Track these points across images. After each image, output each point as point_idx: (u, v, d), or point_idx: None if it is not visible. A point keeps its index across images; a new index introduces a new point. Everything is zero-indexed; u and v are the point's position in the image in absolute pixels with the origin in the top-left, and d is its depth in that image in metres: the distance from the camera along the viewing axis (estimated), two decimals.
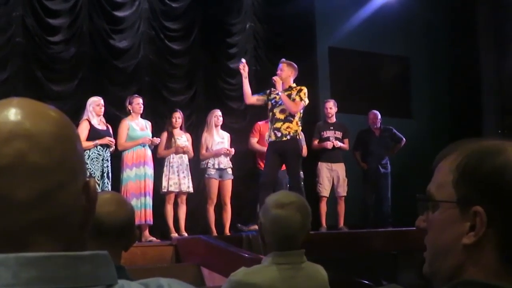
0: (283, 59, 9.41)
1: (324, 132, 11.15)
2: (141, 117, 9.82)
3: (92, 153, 9.00)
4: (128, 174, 9.39)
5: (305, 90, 9.10)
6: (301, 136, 9.26)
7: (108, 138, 9.17)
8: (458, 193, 1.31)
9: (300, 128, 9.07)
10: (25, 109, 1.08)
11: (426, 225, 1.39)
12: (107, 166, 9.15)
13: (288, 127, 8.94)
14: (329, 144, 11.00)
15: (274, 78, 9.16)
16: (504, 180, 1.27)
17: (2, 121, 1.05)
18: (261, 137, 10.31)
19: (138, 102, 9.69)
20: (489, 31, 14.21)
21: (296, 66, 9.36)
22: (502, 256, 1.27)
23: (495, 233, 1.27)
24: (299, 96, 8.97)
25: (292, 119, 8.95)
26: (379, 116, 11.91)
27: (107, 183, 9.11)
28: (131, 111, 9.69)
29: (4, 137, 1.04)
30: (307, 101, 9.08)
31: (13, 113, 1.06)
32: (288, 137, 8.94)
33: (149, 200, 9.43)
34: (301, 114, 9.07)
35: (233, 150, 10.12)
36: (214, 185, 10.03)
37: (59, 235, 1.06)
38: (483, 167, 1.30)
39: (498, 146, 1.33)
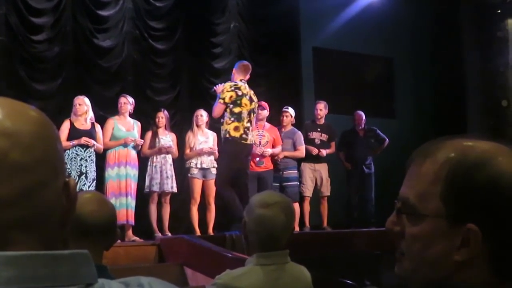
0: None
1: (311, 133, 11.14)
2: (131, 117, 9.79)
3: (70, 153, 8.95)
4: (109, 173, 9.36)
5: (225, 85, 8.99)
6: (235, 134, 8.92)
7: (84, 139, 9.06)
8: (448, 208, 1.24)
9: (233, 126, 8.87)
10: (5, 108, 1.08)
11: (400, 230, 1.32)
12: (86, 166, 9.06)
13: (223, 129, 8.98)
14: (314, 151, 10.99)
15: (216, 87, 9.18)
16: (497, 195, 1.20)
17: None
18: None
19: (122, 102, 9.64)
20: (473, 31, 14.25)
21: (243, 64, 9.25)
22: (494, 270, 1.23)
23: (488, 248, 1.22)
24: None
25: (222, 120, 8.94)
26: (364, 117, 11.93)
27: (85, 183, 9.01)
28: (118, 110, 9.67)
29: None
30: (224, 97, 8.83)
31: None
32: (223, 138, 9.03)
33: (131, 201, 9.38)
34: (229, 111, 8.84)
35: (216, 148, 10.10)
36: (197, 184, 10.01)
37: (39, 234, 1.06)
38: (475, 181, 1.22)
39: (487, 154, 1.25)
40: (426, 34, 15.19)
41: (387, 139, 11.98)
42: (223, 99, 8.81)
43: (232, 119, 8.83)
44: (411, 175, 1.32)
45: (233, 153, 8.94)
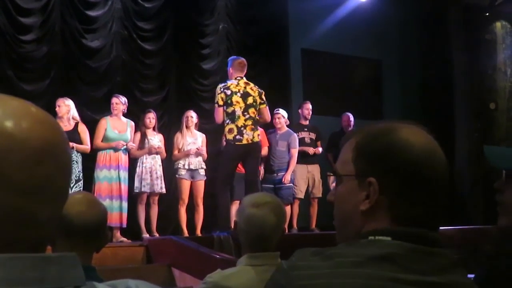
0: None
1: (299, 133, 11.14)
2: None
3: None
4: (98, 174, 9.32)
5: (216, 89, 8.96)
6: (229, 136, 8.86)
7: None
8: (356, 168, 1.54)
9: (227, 128, 8.82)
10: (51, 128, 1.09)
11: (334, 198, 1.62)
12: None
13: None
14: (310, 150, 11.03)
15: None
16: (390, 155, 1.50)
17: (34, 137, 1.05)
18: None
19: (114, 102, 9.61)
20: (461, 34, 14.31)
21: (237, 61, 9.09)
22: (392, 217, 1.49)
23: (386, 199, 1.49)
24: None
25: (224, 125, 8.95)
26: (352, 119, 11.94)
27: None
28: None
29: (36, 157, 1.04)
30: (217, 101, 8.80)
31: (40, 130, 1.07)
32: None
33: (123, 204, 9.35)
34: (225, 113, 8.80)
35: (204, 149, 10.08)
36: (185, 185, 10.00)
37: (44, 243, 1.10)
38: (375, 145, 1.53)
39: (388, 127, 1.58)
40: (415, 37, 15.24)
41: None
42: (216, 102, 8.78)
43: (227, 121, 8.79)
44: (340, 153, 1.63)
45: (227, 155, 8.93)
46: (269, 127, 10.89)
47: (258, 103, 8.89)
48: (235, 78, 8.91)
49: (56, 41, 10.72)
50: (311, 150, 11.06)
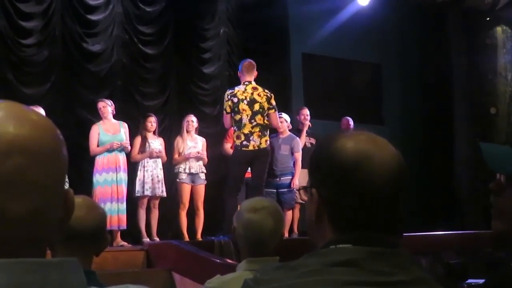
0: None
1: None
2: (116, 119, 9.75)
3: None
4: (97, 179, 9.30)
5: (224, 96, 9.04)
6: (237, 142, 8.90)
7: None
8: (310, 180, 1.62)
9: (235, 135, 8.89)
10: (27, 123, 1.07)
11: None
12: None
13: None
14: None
15: None
16: (322, 165, 1.56)
17: (1, 132, 1.04)
18: (233, 142, 10.24)
19: (100, 107, 9.55)
20: (461, 39, 14.32)
21: (245, 65, 9.10)
22: (334, 225, 1.53)
23: (325, 208, 1.54)
24: None
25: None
26: (352, 122, 11.93)
27: None
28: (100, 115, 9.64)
29: (4, 150, 1.03)
30: (225, 108, 8.87)
31: (12, 124, 1.05)
32: None
33: (122, 206, 9.35)
34: (233, 120, 8.83)
35: (204, 153, 10.08)
36: (186, 190, 10.00)
37: (41, 245, 1.09)
38: (314, 157, 1.61)
39: (329, 138, 1.63)
40: (415, 41, 15.24)
41: None
42: (225, 109, 8.85)
43: (235, 127, 8.84)
44: None
45: (234, 160, 9.00)
46: (272, 132, 10.89)
47: (266, 108, 8.86)
48: (243, 83, 8.90)
49: (57, 45, 10.73)
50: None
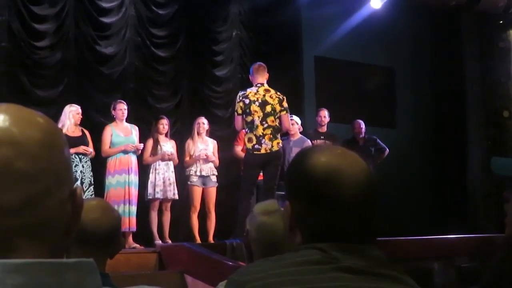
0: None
1: (315, 141, 11.08)
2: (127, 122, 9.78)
3: None
4: (110, 181, 9.34)
5: (236, 97, 9.01)
6: (248, 145, 8.85)
7: (82, 147, 9.04)
8: (285, 193, 1.74)
9: (247, 138, 8.85)
10: (12, 115, 1.07)
11: None
12: (82, 172, 9.04)
13: None
14: None
15: None
16: (296, 180, 1.66)
17: None
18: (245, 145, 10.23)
19: (120, 108, 9.60)
20: (474, 42, 14.28)
21: (255, 67, 9.14)
22: (303, 236, 1.63)
23: (297, 219, 1.64)
24: None
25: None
26: (363, 126, 11.92)
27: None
28: (115, 116, 9.65)
29: None
30: (236, 109, 8.85)
31: (2, 120, 1.06)
32: None
33: (133, 208, 9.38)
34: (245, 122, 8.80)
35: (213, 156, 10.08)
36: (197, 192, 10.02)
37: (43, 242, 1.06)
38: (289, 171, 1.72)
39: (303, 154, 1.71)
40: (427, 45, 15.21)
41: (387, 149, 11.95)
42: (236, 111, 8.83)
43: (247, 129, 8.80)
44: None
45: (246, 164, 8.96)
46: (283, 134, 10.90)
47: (278, 111, 8.84)
48: (255, 85, 8.90)
49: (70, 48, 10.75)
50: None
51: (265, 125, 8.76)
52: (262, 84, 8.92)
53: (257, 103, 8.76)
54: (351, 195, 1.59)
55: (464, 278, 8.11)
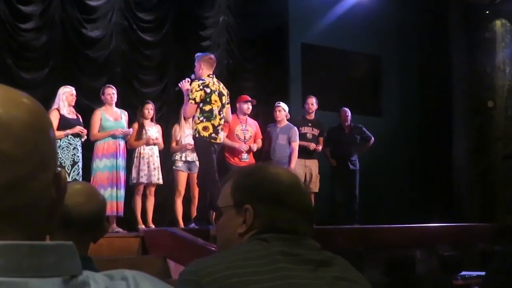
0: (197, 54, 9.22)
1: (302, 128, 11.12)
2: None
3: (62, 143, 8.92)
4: (98, 164, 9.33)
5: (193, 85, 8.81)
6: (204, 134, 8.72)
7: (78, 127, 9.08)
8: (234, 200, 1.93)
9: (201, 126, 8.70)
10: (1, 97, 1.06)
11: (215, 231, 2.05)
12: (78, 155, 9.09)
13: (193, 127, 8.94)
14: (311, 146, 11.05)
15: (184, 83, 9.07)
16: (263, 186, 1.91)
17: None
18: (230, 131, 10.22)
19: (109, 93, 9.59)
20: (461, 31, 14.31)
21: (209, 57, 9.12)
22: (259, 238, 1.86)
23: (258, 221, 1.88)
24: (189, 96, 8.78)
25: (192, 119, 8.94)
26: (349, 114, 11.94)
27: (79, 173, 9.05)
28: (104, 101, 9.62)
29: None
30: (194, 97, 8.68)
31: None
32: (193, 136, 9.00)
33: (121, 192, 9.38)
34: (199, 110, 8.70)
35: None
36: (182, 177, 10.01)
37: (24, 224, 1.05)
38: (250, 179, 1.95)
39: (259, 167, 2.10)
40: (414, 33, 15.23)
41: (373, 137, 11.98)
42: (194, 99, 8.68)
43: (202, 118, 8.69)
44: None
45: (207, 151, 8.81)
46: (270, 121, 10.90)
47: (226, 103, 8.98)
48: (208, 76, 8.86)
49: (56, 30, 10.70)
50: (312, 146, 11.07)
51: (221, 115, 8.82)
52: (213, 75, 8.93)
53: (216, 93, 8.77)
54: (303, 203, 1.95)
55: (446, 266, 8.16)
